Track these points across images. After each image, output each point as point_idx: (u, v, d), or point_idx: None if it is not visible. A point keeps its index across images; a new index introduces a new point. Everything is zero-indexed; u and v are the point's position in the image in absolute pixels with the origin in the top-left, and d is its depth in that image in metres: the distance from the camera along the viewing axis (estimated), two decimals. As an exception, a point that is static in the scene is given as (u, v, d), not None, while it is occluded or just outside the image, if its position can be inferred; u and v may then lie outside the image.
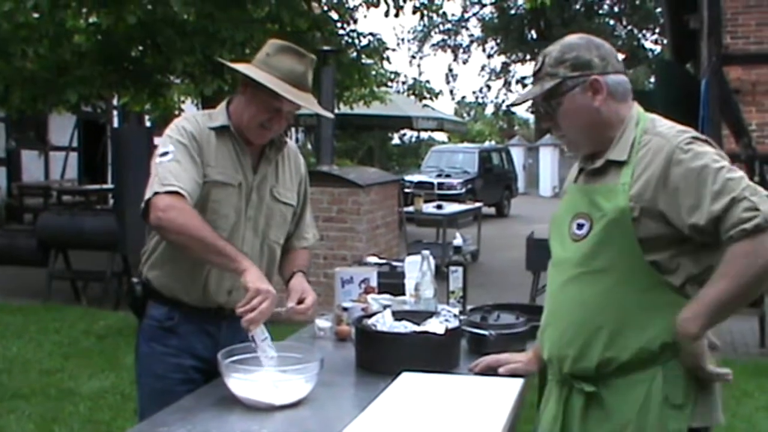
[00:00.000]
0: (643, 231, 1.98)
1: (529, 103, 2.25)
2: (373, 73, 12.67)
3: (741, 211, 1.85)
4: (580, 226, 2.08)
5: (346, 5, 11.22)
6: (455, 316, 2.78)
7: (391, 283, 3.28)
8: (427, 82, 14.59)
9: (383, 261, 4.18)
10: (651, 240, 1.98)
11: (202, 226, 2.37)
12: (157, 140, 2.65)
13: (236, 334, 2.44)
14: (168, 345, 2.59)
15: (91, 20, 9.22)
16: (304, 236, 2.86)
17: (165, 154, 2.45)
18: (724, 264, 1.91)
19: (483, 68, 36.77)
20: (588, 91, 2.08)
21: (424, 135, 28.96)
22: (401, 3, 10.58)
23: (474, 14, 35.02)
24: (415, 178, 18.63)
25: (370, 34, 11.49)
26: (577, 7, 32.83)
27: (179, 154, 2.45)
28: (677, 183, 1.94)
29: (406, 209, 10.85)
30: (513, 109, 37.65)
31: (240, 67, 2.55)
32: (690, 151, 1.95)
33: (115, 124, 17.44)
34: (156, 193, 2.37)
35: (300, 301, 2.58)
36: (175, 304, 2.58)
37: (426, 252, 3.06)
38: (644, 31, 33.35)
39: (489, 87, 36.78)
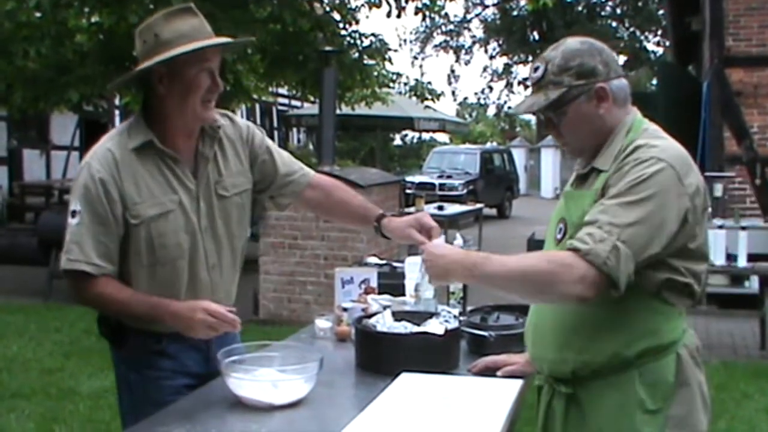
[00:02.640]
0: None
1: (530, 106, 2.21)
2: (375, 73, 12.66)
3: (584, 234, 1.88)
4: (560, 231, 2.09)
5: (348, 6, 11.22)
6: (455, 316, 2.77)
7: (392, 283, 3.27)
8: (429, 83, 14.63)
9: (384, 261, 4.18)
10: None
11: (114, 301, 2.34)
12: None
13: (225, 342, 2.37)
14: (161, 368, 2.43)
15: (93, 20, 9.22)
16: (300, 175, 2.69)
17: (73, 214, 2.32)
18: (543, 256, 1.98)
19: (485, 69, 36.88)
20: (593, 99, 2.04)
21: (425, 136, 28.97)
22: (403, 4, 10.58)
23: (476, 15, 35.10)
24: (417, 179, 18.63)
25: (372, 34, 11.49)
26: (580, 8, 32.87)
27: (85, 215, 2.30)
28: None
29: (407, 210, 10.85)
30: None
31: (149, 66, 2.38)
32: (639, 166, 1.92)
33: (117, 123, 17.45)
34: (65, 270, 2.36)
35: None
36: (158, 332, 2.42)
37: (426, 253, 3.05)
38: (646, 33, 33.40)
39: (491, 88, 36.91)
